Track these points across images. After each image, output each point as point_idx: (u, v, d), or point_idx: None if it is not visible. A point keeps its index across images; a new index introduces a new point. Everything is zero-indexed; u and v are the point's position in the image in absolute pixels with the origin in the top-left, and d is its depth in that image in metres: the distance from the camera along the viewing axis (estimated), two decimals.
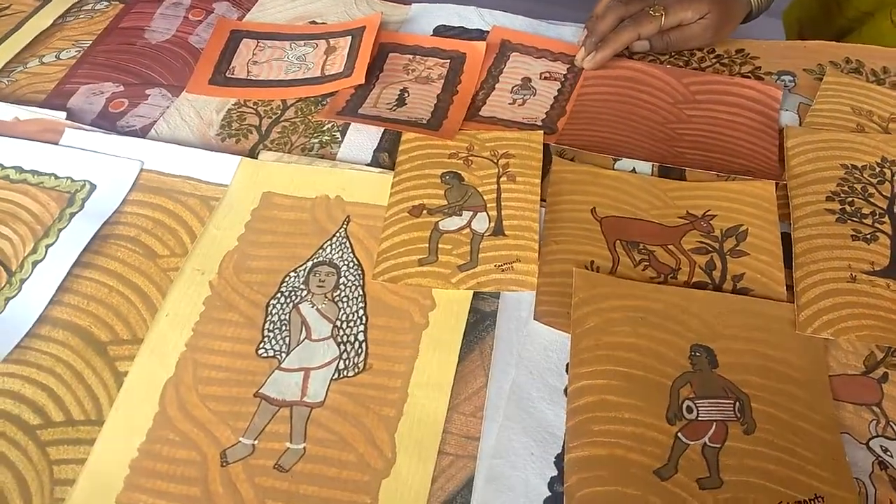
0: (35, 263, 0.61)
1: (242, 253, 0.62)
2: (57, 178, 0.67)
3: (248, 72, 0.78)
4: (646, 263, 0.60)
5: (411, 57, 0.80)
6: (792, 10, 1.10)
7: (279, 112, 0.74)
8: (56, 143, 0.70)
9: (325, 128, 0.72)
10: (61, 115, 0.73)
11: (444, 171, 0.67)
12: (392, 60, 0.80)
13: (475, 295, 0.59)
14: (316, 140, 0.71)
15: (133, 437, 0.52)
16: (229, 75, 0.78)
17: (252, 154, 0.70)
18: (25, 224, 0.64)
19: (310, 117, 0.73)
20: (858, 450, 0.50)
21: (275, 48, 0.81)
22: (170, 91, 0.76)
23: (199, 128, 0.73)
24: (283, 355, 0.56)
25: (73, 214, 0.65)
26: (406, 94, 0.76)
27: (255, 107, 0.75)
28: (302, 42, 0.82)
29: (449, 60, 0.79)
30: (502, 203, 0.64)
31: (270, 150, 0.70)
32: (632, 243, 0.61)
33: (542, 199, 0.65)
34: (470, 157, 0.68)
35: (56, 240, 0.62)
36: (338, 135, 0.72)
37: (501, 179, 0.66)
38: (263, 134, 0.72)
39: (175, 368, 0.55)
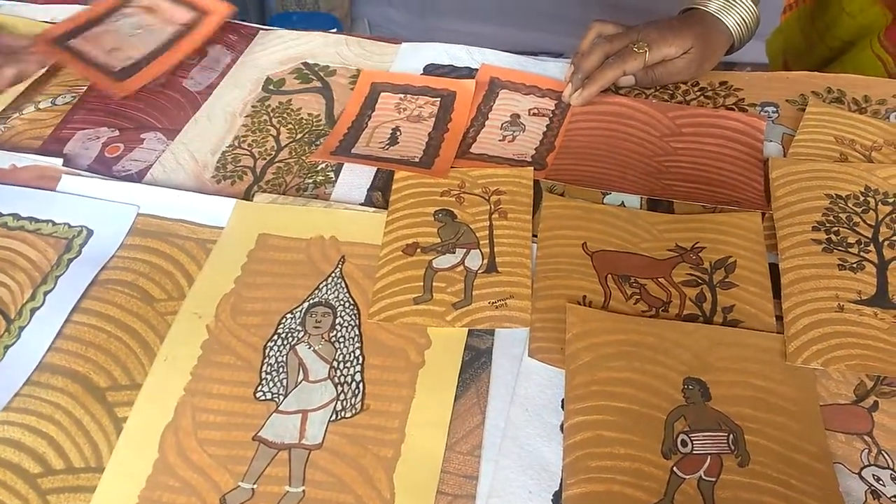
0: (33, 311, 0.61)
1: (239, 295, 0.63)
2: (54, 224, 0.68)
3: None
4: (637, 297, 0.61)
5: (402, 96, 0.81)
6: (775, 40, 1.12)
7: (273, 153, 0.76)
8: (53, 190, 0.71)
9: (318, 168, 0.74)
10: (58, 162, 0.74)
11: (437, 209, 0.68)
12: (384, 100, 0.81)
13: (470, 332, 0.60)
14: (310, 180, 0.72)
15: (133, 484, 0.52)
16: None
17: (247, 195, 0.71)
18: (23, 271, 0.64)
19: (304, 158, 0.75)
20: (851, 479, 0.51)
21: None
22: (165, 134, 0.78)
23: (194, 170, 0.74)
24: (281, 398, 0.56)
25: (70, 260, 0.65)
26: (398, 133, 0.77)
27: (249, 148, 0.76)
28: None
29: (439, 99, 0.81)
30: (495, 240, 0.65)
31: (266, 191, 0.71)
32: (623, 277, 0.62)
33: (534, 235, 0.66)
34: (462, 195, 0.69)
35: (54, 286, 0.63)
36: (332, 175, 0.73)
37: (493, 216, 0.67)
38: (258, 175, 0.73)
39: (174, 413, 0.56)
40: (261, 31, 0.92)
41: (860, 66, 0.89)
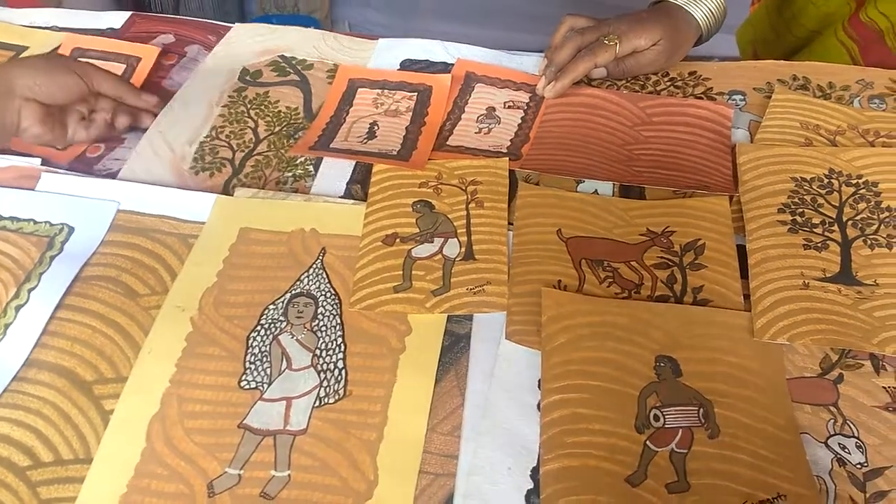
0: (18, 308, 0.62)
1: (222, 288, 0.64)
2: (35, 223, 0.69)
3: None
4: (610, 280, 0.63)
5: (380, 91, 0.83)
6: (745, 30, 1.15)
7: (252, 145, 0.77)
8: (33, 189, 0.72)
9: (297, 161, 0.75)
10: (36, 162, 0.74)
11: (415, 200, 0.69)
12: (361, 95, 0.82)
13: (449, 318, 0.61)
14: (290, 174, 0.73)
15: (122, 473, 0.53)
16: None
17: (227, 188, 0.72)
18: (7, 270, 0.65)
19: (282, 151, 0.76)
20: (818, 448, 0.53)
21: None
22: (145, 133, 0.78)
23: (172, 161, 0.75)
24: (265, 386, 0.57)
25: (52, 258, 0.66)
26: (376, 127, 0.78)
27: (227, 140, 0.77)
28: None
29: (416, 93, 0.82)
30: (472, 228, 0.67)
31: (245, 184, 0.73)
32: (597, 261, 0.64)
33: (510, 223, 0.67)
34: (439, 186, 0.70)
35: (38, 284, 0.64)
36: (311, 168, 0.74)
37: (470, 206, 0.69)
38: (237, 168, 0.74)
39: (160, 404, 0.57)
40: (237, 24, 0.92)
41: (826, 54, 0.91)
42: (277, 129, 0.79)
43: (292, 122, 0.80)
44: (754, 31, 1.11)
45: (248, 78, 0.85)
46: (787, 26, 1.01)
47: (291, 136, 0.78)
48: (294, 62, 0.88)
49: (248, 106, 0.81)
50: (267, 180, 0.73)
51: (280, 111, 0.81)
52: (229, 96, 0.83)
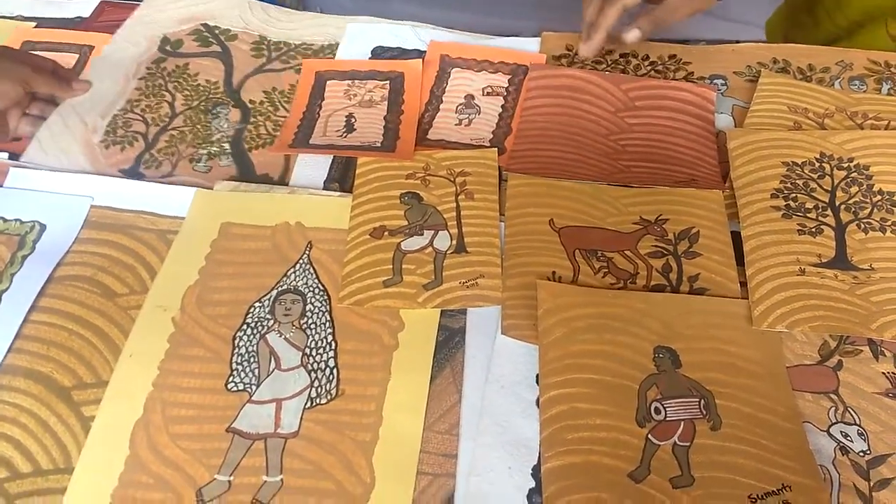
0: None
1: (204, 286, 0.61)
2: (5, 221, 0.66)
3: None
4: (605, 270, 0.62)
5: (350, 82, 0.80)
6: (777, 19, 1.11)
7: (167, 120, 0.74)
8: (1, 186, 0.69)
9: (214, 139, 0.73)
10: (3, 156, 0.71)
11: (403, 191, 0.67)
12: (331, 88, 0.79)
13: (443, 313, 0.59)
14: (204, 151, 0.72)
15: (105, 482, 0.51)
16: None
17: (138, 163, 0.71)
18: None
19: (198, 126, 0.74)
20: (820, 437, 0.53)
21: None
22: None
23: (83, 135, 0.73)
24: (254, 388, 0.55)
25: (24, 257, 0.63)
26: (353, 120, 0.76)
27: (142, 114, 0.75)
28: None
29: (388, 81, 0.79)
30: (462, 220, 0.65)
31: (157, 159, 0.71)
32: (590, 251, 0.63)
33: (501, 214, 0.66)
34: (427, 177, 0.68)
35: (10, 285, 0.61)
36: (227, 146, 0.72)
37: (460, 197, 0.67)
38: (150, 142, 0.72)
39: (143, 409, 0.54)
40: None
41: (873, 47, 0.85)
42: (196, 103, 0.76)
43: (212, 96, 0.77)
44: (786, 19, 1.08)
45: (168, 48, 0.82)
46: (829, 14, 0.96)
47: (209, 111, 0.76)
48: (217, 32, 0.84)
49: (167, 79, 0.79)
50: (181, 156, 0.71)
51: (199, 84, 0.78)
52: (147, 68, 0.80)
